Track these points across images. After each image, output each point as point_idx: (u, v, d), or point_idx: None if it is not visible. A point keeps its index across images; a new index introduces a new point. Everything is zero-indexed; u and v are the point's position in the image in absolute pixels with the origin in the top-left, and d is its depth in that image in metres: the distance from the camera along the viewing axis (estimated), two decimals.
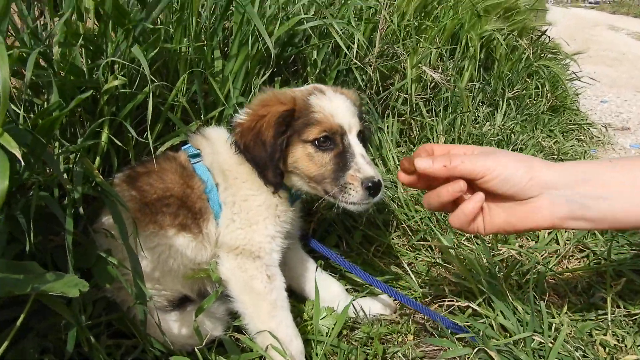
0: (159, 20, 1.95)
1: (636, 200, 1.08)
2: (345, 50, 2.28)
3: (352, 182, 1.40)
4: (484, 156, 1.20)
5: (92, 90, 1.62)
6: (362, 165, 1.43)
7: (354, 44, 2.44)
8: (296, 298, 1.85)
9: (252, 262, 1.52)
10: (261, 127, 1.46)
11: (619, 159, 1.25)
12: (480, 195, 1.21)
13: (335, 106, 1.49)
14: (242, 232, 1.54)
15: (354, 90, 1.74)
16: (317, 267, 1.79)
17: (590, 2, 44.50)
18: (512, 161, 1.15)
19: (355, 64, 2.60)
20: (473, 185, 1.21)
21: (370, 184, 1.39)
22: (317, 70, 2.31)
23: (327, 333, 1.66)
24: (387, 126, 3.00)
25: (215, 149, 1.63)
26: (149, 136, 1.51)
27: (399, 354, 1.60)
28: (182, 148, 1.69)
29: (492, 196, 1.20)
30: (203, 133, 1.70)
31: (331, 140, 1.47)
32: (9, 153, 0.80)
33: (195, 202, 1.56)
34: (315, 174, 1.48)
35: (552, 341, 1.46)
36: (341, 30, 2.35)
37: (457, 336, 1.55)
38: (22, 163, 0.89)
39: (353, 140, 1.49)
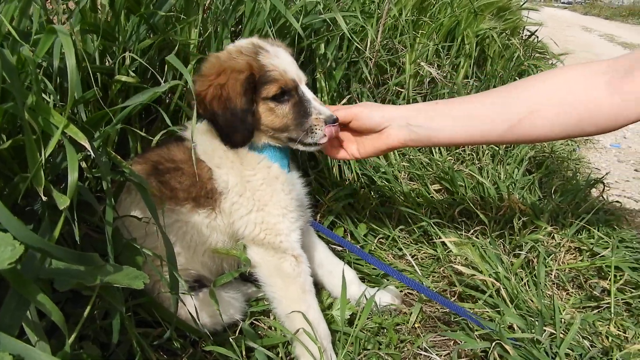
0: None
1: (445, 131, 1.70)
2: (358, 44, 2.30)
3: (317, 123, 1.62)
4: (353, 107, 1.81)
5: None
6: (320, 108, 1.64)
7: (357, 37, 2.47)
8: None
9: (279, 245, 1.59)
10: (228, 96, 1.54)
11: (444, 101, 1.84)
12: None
13: (285, 63, 1.63)
14: (257, 216, 1.60)
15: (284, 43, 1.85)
16: (344, 265, 1.85)
17: (563, 2, 45.25)
18: (368, 107, 1.76)
19: (360, 56, 2.62)
20: (347, 129, 1.81)
21: (331, 122, 1.63)
22: (329, 64, 2.32)
23: (341, 323, 1.69)
24: None
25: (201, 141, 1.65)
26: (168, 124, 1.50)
27: (410, 343, 1.65)
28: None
29: (360, 133, 1.80)
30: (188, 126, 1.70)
31: (287, 92, 1.61)
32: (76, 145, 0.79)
33: (206, 182, 1.60)
34: (279, 125, 1.62)
35: (562, 331, 1.53)
36: (349, 24, 2.37)
37: (477, 332, 1.58)
38: (92, 154, 0.87)
39: (305, 89, 1.66)
